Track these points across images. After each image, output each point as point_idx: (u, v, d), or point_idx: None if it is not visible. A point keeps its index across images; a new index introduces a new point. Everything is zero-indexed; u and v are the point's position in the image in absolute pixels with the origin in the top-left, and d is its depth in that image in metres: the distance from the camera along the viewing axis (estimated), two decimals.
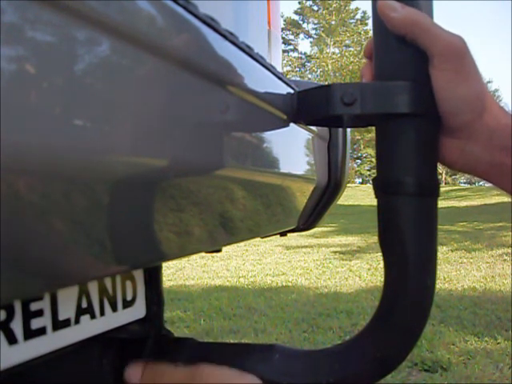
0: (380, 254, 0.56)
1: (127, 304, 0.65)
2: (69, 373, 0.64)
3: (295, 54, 39.75)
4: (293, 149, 0.74)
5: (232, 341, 3.12)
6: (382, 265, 0.57)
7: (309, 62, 38.98)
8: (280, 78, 0.63)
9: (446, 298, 4.12)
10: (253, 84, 0.52)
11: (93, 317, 0.58)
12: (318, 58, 36.80)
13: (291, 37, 39.60)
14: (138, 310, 0.68)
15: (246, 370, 0.61)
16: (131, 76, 0.33)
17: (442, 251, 6.54)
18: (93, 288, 0.59)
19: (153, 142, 0.36)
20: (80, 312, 0.56)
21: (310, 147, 0.83)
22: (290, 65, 38.44)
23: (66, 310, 0.54)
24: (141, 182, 0.36)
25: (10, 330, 0.47)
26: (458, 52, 0.49)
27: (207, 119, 0.44)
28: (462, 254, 6.54)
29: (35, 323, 0.50)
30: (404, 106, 0.51)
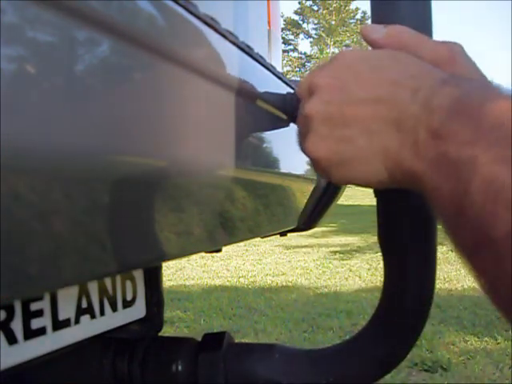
0: (380, 253, 0.56)
1: (127, 304, 0.65)
2: (69, 373, 0.64)
3: (295, 54, 39.70)
4: (293, 149, 0.74)
5: None
6: (381, 265, 0.57)
7: (309, 61, 38.94)
8: (280, 78, 0.63)
9: (446, 298, 4.11)
10: (253, 84, 0.52)
11: (93, 317, 0.58)
12: (317, 58, 36.77)
13: (291, 37, 39.56)
14: (138, 310, 0.68)
15: (246, 369, 0.61)
16: (131, 76, 0.33)
17: (441, 251, 6.52)
18: (93, 288, 0.59)
19: (152, 141, 0.36)
20: (80, 312, 0.56)
21: None
22: (289, 65, 38.39)
23: (66, 310, 0.54)
24: (141, 182, 0.36)
25: (10, 330, 0.47)
26: (446, 58, 0.49)
27: (207, 119, 0.44)
28: None
29: (35, 323, 0.50)
30: None
